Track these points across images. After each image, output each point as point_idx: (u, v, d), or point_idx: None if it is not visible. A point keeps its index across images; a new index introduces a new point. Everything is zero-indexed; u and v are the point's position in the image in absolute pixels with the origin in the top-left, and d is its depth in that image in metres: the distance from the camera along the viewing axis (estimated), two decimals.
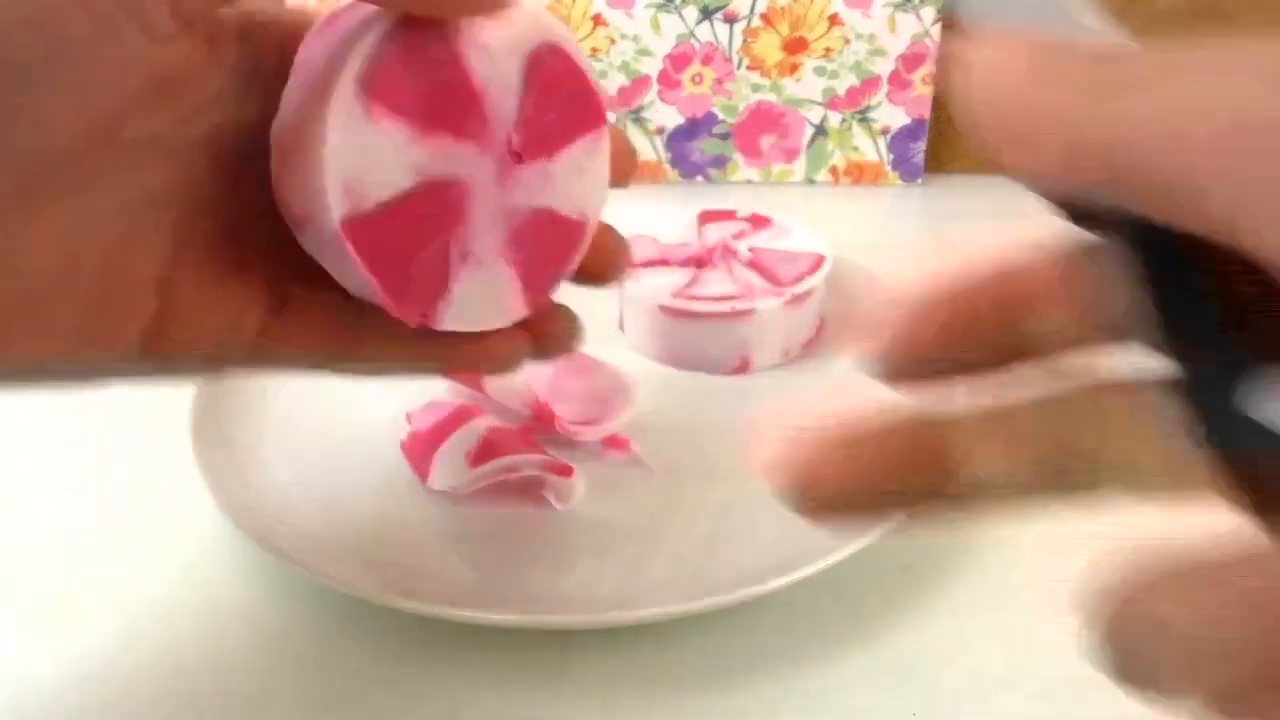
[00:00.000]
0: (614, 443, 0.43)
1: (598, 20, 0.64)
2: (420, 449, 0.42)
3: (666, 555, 0.38)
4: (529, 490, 0.40)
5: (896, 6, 0.63)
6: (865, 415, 0.20)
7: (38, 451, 0.44)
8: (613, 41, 0.65)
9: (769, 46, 0.65)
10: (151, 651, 0.35)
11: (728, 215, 0.53)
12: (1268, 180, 0.13)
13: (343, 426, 0.44)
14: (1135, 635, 0.15)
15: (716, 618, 0.35)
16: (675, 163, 0.68)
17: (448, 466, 0.40)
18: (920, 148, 0.67)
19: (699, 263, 0.49)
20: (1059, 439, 0.19)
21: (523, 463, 0.40)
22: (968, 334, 0.19)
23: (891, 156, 0.67)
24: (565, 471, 0.40)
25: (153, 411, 0.45)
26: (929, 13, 0.63)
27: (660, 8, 0.63)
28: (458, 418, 0.42)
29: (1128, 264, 0.15)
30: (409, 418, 0.44)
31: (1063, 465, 0.19)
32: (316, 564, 0.35)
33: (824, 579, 0.35)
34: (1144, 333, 0.15)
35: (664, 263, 0.50)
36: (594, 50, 0.65)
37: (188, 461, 0.39)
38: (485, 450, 0.41)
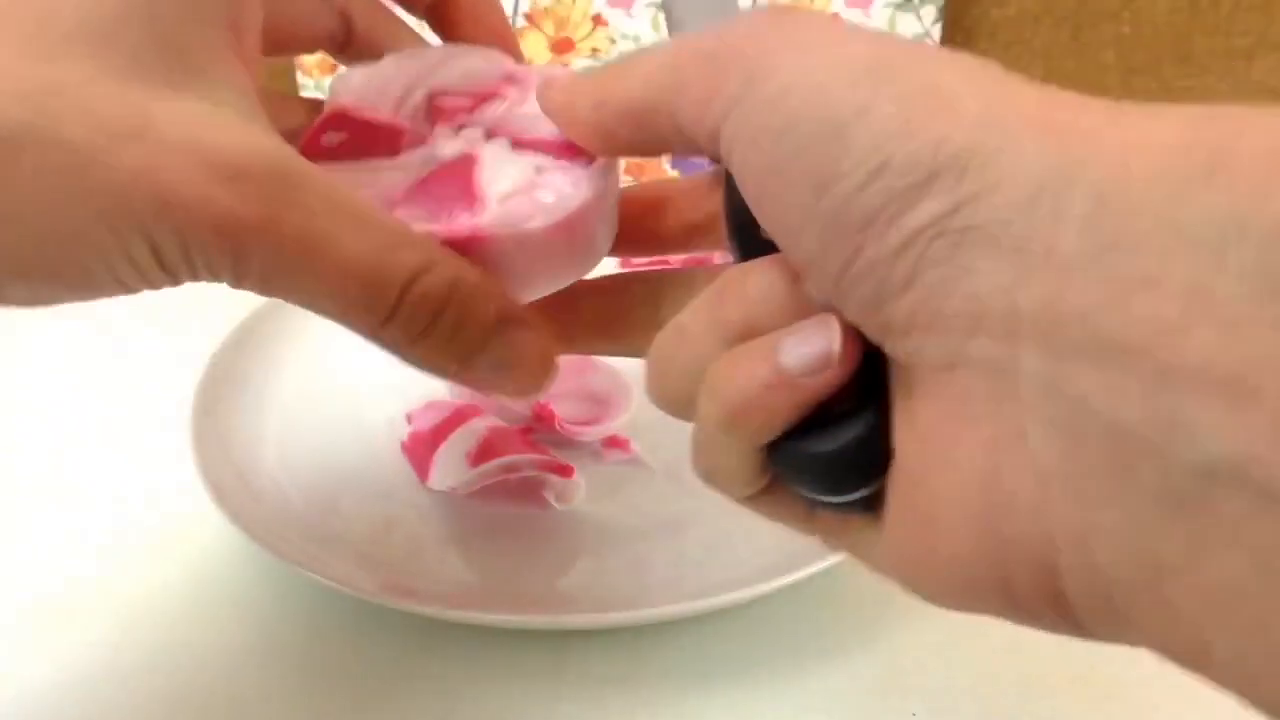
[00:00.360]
0: (614, 443, 0.43)
1: (598, 20, 0.64)
2: (420, 449, 0.42)
3: (666, 555, 0.38)
4: (529, 490, 0.40)
5: (896, 6, 0.63)
6: None
7: (38, 452, 0.44)
8: (613, 41, 0.65)
9: None
10: (150, 651, 0.35)
11: None
12: (697, 92, 0.22)
13: (343, 426, 0.44)
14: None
15: (716, 618, 0.35)
16: (675, 163, 0.68)
17: (448, 466, 0.40)
18: None
19: (699, 262, 0.49)
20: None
21: (523, 462, 0.40)
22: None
23: None
24: (565, 471, 0.40)
25: (153, 411, 0.45)
26: (929, 12, 0.63)
27: (660, 8, 0.63)
28: (458, 418, 0.42)
29: (730, 191, 0.23)
30: (409, 418, 0.44)
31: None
32: (316, 564, 0.35)
33: (824, 579, 0.35)
34: (727, 237, 0.25)
35: (664, 262, 0.50)
36: (594, 50, 0.65)
37: (188, 461, 0.39)
38: (485, 450, 0.41)
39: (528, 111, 0.30)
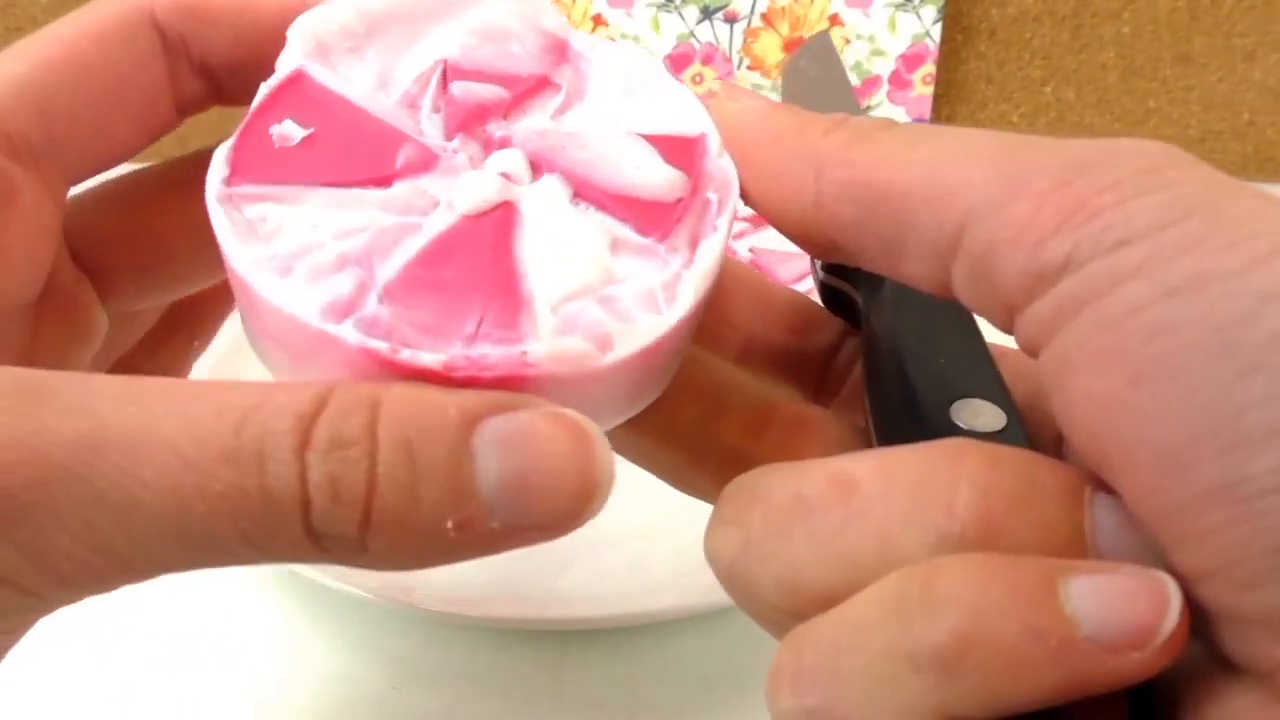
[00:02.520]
0: None
1: (598, 20, 0.64)
2: None
3: (666, 555, 0.38)
4: None
5: (897, 6, 0.63)
6: None
7: None
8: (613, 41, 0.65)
9: (769, 46, 0.65)
10: (150, 651, 0.35)
11: None
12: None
13: None
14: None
15: (716, 618, 0.35)
16: None
17: None
18: None
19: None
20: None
21: None
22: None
23: None
24: None
25: None
26: (929, 12, 0.63)
27: (660, 8, 0.63)
28: None
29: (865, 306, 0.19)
30: None
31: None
32: (317, 564, 0.35)
33: None
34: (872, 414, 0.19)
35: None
36: None
37: None
38: None
39: (593, 127, 0.19)
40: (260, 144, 0.18)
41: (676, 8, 0.63)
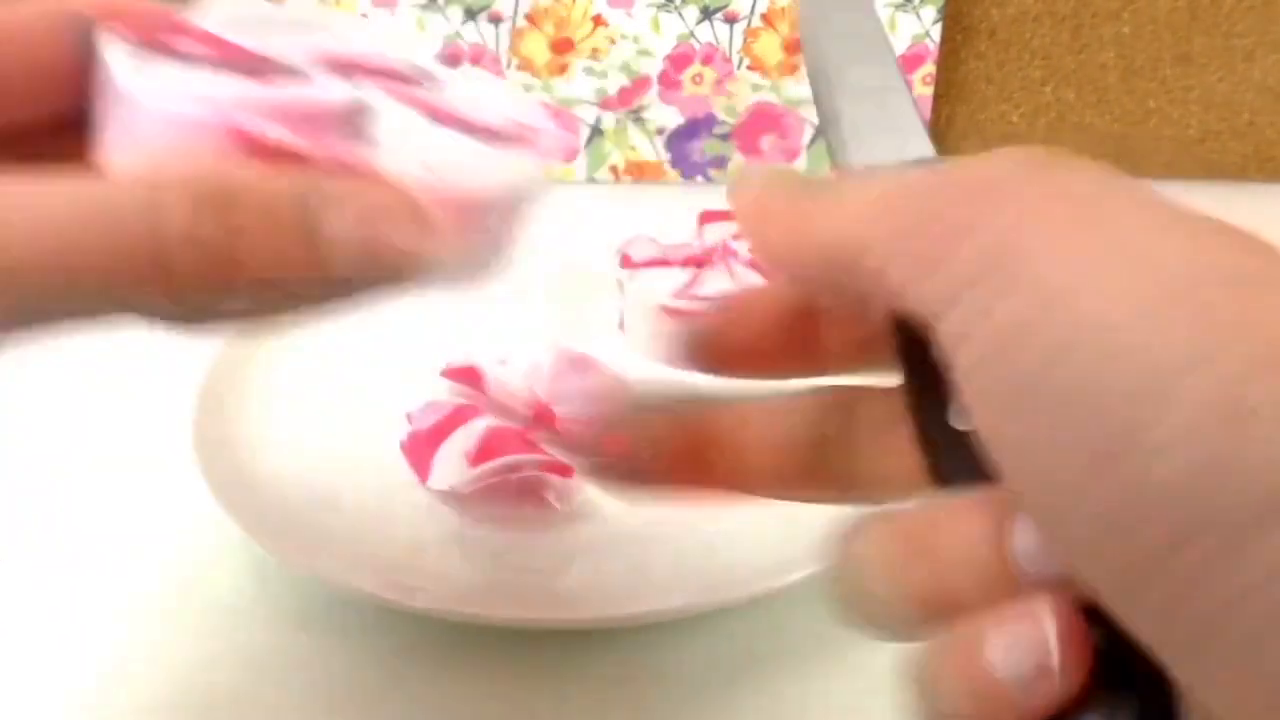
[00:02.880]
0: (614, 441, 0.43)
1: (598, 20, 0.64)
2: (420, 449, 0.42)
3: (666, 555, 0.38)
4: (529, 490, 0.40)
5: (897, 7, 0.63)
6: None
7: (37, 453, 0.44)
8: (613, 41, 0.65)
9: (769, 46, 0.65)
10: (150, 651, 0.35)
11: (728, 215, 0.52)
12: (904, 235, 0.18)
13: (343, 426, 0.44)
14: (841, 568, 0.21)
15: (716, 618, 0.35)
16: (675, 163, 0.68)
17: (448, 466, 0.40)
18: None
19: (699, 263, 0.49)
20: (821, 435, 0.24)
21: (524, 462, 0.40)
22: (773, 332, 0.24)
23: None
24: (566, 471, 0.40)
25: (153, 411, 0.45)
26: (929, 12, 0.63)
27: (660, 8, 0.63)
28: (457, 418, 0.42)
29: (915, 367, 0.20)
30: (409, 418, 0.44)
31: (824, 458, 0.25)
32: (316, 564, 0.35)
33: (824, 579, 0.35)
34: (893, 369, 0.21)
35: (664, 263, 0.50)
36: (594, 50, 0.65)
37: (188, 461, 0.39)
38: (485, 450, 0.41)
39: (456, 96, 0.25)
40: (156, 39, 0.23)
41: (676, 8, 0.63)
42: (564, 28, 0.65)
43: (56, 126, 0.24)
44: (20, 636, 0.35)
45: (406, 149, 0.22)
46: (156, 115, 0.21)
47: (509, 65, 0.66)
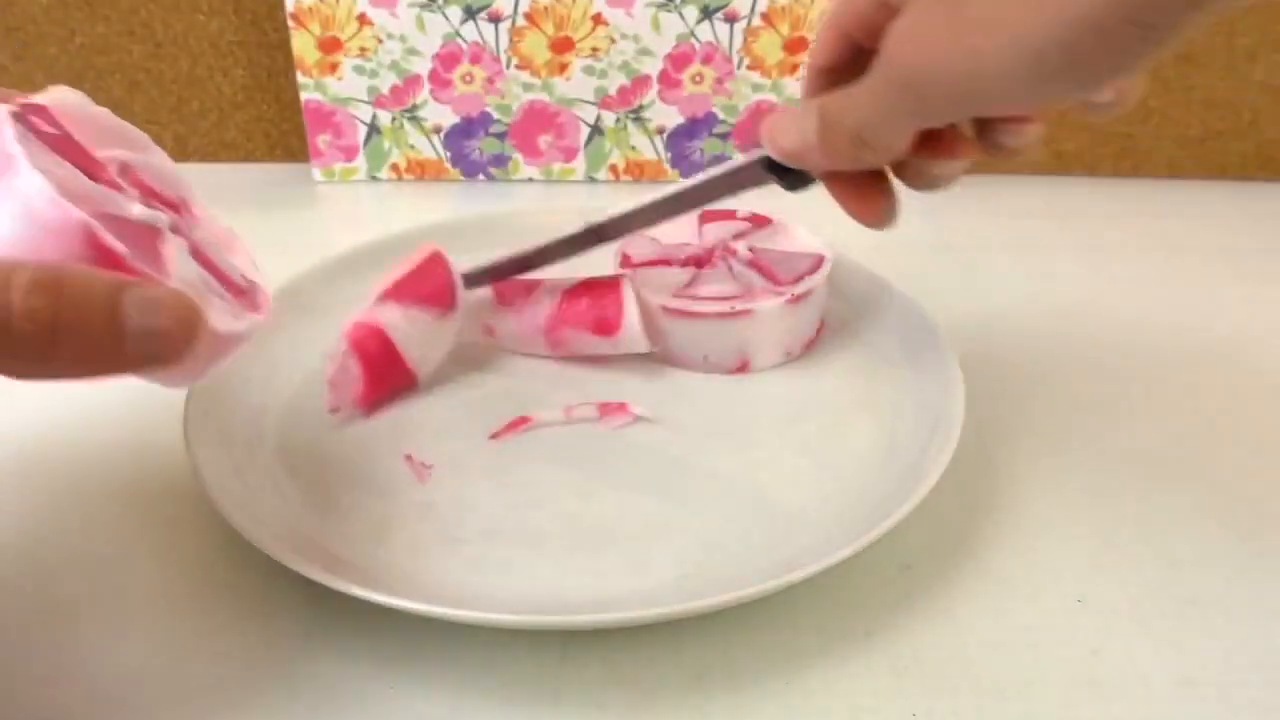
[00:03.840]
0: (611, 409, 0.45)
1: (598, 20, 0.64)
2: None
3: (666, 555, 0.38)
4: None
5: None
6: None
7: (36, 453, 0.44)
8: (613, 41, 0.65)
9: (769, 46, 0.65)
10: (149, 651, 0.35)
11: (728, 215, 0.53)
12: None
13: (342, 426, 0.44)
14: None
15: (717, 618, 0.35)
16: (675, 163, 0.68)
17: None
18: None
19: (699, 263, 0.49)
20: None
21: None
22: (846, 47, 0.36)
23: None
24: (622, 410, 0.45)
25: (152, 411, 0.45)
26: None
27: (660, 7, 0.63)
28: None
29: None
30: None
31: None
32: (315, 564, 0.35)
33: (824, 579, 0.35)
34: None
35: (664, 263, 0.50)
36: (594, 50, 0.65)
37: (185, 461, 0.39)
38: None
39: (207, 236, 0.34)
40: (32, 120, 0.30)
41: (676, 7, 0.63)
42: (563, 27, 0.64)
43: None
44: (18, 637, 0.35)
45: (182, 271, 0.31)
46: (33, 196, 0.27)
47: (509, 65, 0.66)
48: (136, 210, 0.31)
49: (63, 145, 0.31)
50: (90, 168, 0.31)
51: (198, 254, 0.33)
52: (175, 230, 0.32)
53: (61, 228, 0.27)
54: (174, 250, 0.32)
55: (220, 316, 0.31)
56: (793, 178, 0.39)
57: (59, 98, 0.33)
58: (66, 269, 0.26)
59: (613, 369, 0.48)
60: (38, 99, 0.32)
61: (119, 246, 0.28)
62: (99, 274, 0.27)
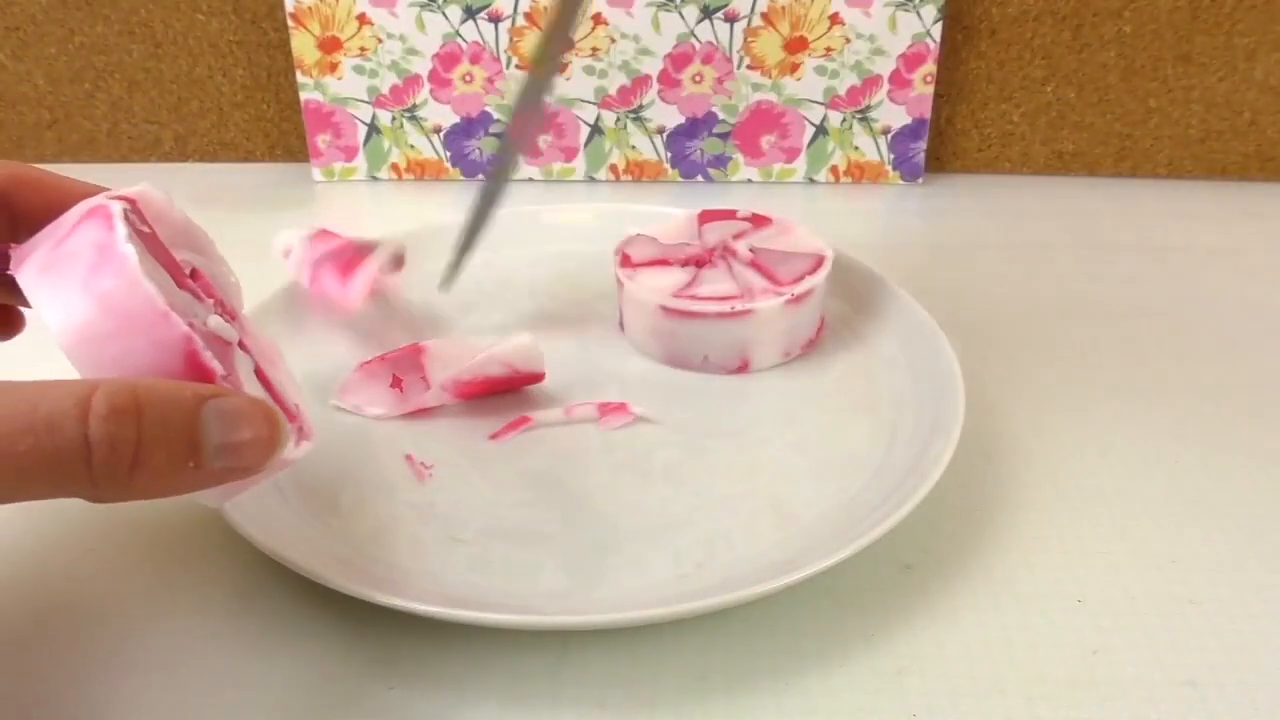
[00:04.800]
0: (611, 409, 0.45)
1: (598, 20, 0.64)
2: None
3: (666, 555, 0.38)
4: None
5: (897, 6, 0.63)
6: None
7: None
8: (613, 41, 0.65)
9: (769, 46, 0.65)
10: (149, 651, 0.35)
11: (728, 215, 0.53)
12: None
13: (342, 425, 0.44)
14: None
15: (716, 618, 0.35)
16: (675, 163, 0.68)
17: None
18: (921, 147, 0.67)
19: (699, 263, 0.49)
20: None
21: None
22: None
23: (892, 156, 0.67)
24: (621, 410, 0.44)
25: None
26: (929, 12, 0.63)
27: (660, 7, 0.63)
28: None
29: None
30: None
31: None
32: (316, 564, 0.35)
33: (824, 579, 0.35)
34: None
35: (664, 263, 0.50)
36: (594, 50, 0.65)
37: None
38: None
39: (259, 351, 0.33)
40: (132, 218, 0.29)
41: (676, 7, 0.63)
42: None
43: None
44: (17, 637, 0.35)
45: (248, 389, 0.30)
46: (140, 305, 0.27)
47: (508, 64, 0.66)
48: (213, 322, 0.30)
49: (153, 245, 0.30)
50: (174, 271, 0.30)
51: (259, 372, 0.32)
52: (241, 346, 0.31)
53: (164, 341, 0.27)
54: (245, 368, 0.31)
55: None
56: None
57: (145, 192, 0.31)
58: (142, 387, 0.25)
59: (613, 369, 0.48)
60: (129, 193, 0.31)
61: (216, 366, 0.27)
62: (177, 388, 0.26)
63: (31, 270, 0.27)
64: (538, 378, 0.45)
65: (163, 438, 0.25)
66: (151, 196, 0.31)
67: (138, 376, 0.26)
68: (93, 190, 0.32)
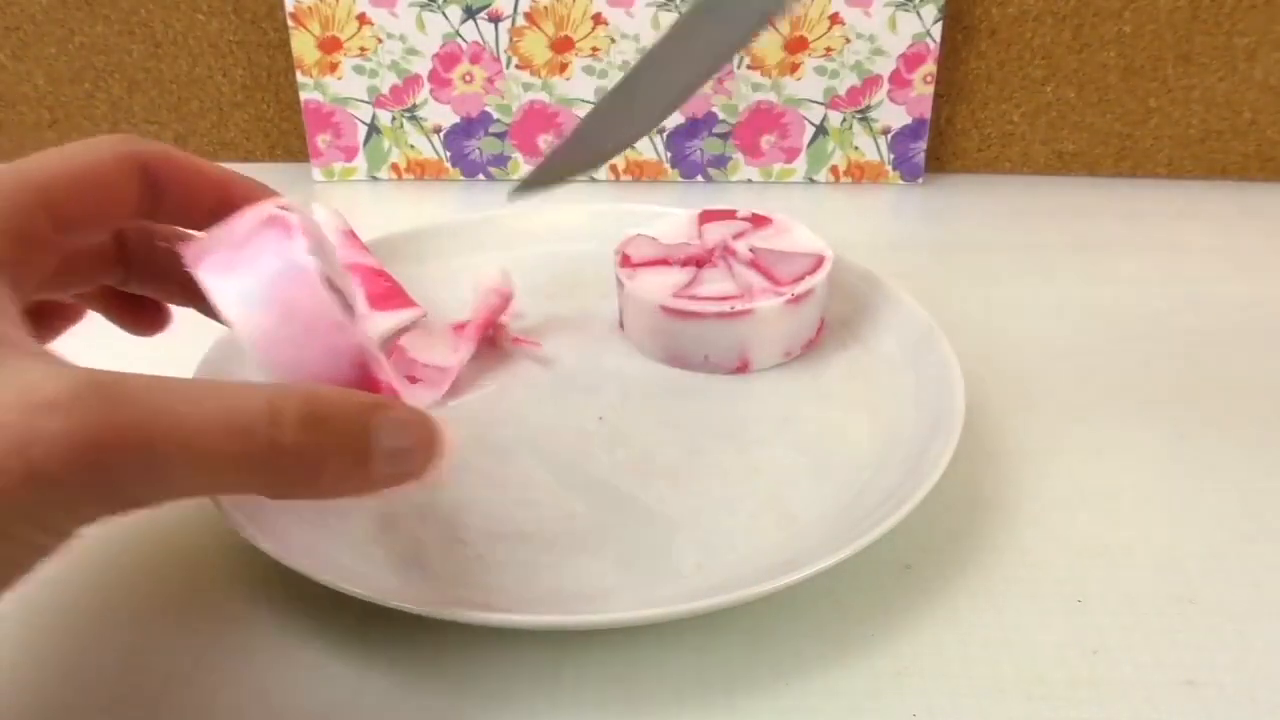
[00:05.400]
0: (521, 341, 0.49)
1: (598, 20, 0.64)
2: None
3: (666, 555, 0.38)
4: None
5: (897, 6, 0.63)
6: None
7: None
8: (613, 41, 0.65)
9: (769, 46, 0.65)
10: (149, 651, 0.35)
11: (728, 215, 0.53)
12: None
13: None
14: None
15: (716, 618, 0.35)
16: (675, 163, 0.68)
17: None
18: (920, 147, 0.67)
19: (699, 263, 0.49)
20: None
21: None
22: None
23: (892, 156, 0.67)
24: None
25: None
26: (929, 12, 0.63)
27: (660, 7, 0.63)
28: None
29: None
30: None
31: None
32: (316, 564, 0.35)
33: (824, 579, 0.35)
34: None
35: (664, 263, 0.50)
36: (594, 50, 0.65)
37: None
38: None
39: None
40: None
41: (676, 7, 0.63)
42: (564, 27, 0.64)
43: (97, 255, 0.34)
44: (18, 637, 0.35)
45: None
46: (321, 317, 0.29)
47: (509, 64, 0.66)
48: (377, 329, 0.33)
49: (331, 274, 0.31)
50: (342, 288, 0.32)
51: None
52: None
53: (338, 349, 0.29)
54: (389, 369, 0.32)
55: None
56: None
57: (300, 207, 0.33)
58: (323, 397, 0.27)
59: (613, 369, 0.48)
60: (293, 204, 0.32)
61: (390, 379, 0.29)
62: (352, 398, 0.27)
63: (212, 270, 0.29)
64: (510, 295, 0.50)
65: (341, 446, 0.27)
66: (303, 211, 0.33)
67: (314, 383, 0.28)
68: (228, 176, 0.33)
